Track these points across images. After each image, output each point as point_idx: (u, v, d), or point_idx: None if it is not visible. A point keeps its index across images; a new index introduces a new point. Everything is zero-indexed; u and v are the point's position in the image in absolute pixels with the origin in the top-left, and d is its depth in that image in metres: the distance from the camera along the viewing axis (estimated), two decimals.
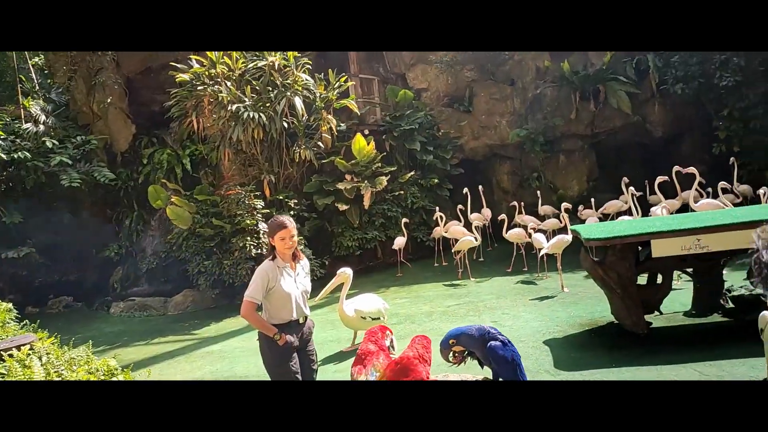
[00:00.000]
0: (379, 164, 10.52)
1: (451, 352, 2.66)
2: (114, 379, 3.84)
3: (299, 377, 3.53)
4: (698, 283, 5.96)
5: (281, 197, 9.87)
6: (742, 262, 6.41)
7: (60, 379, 3.86)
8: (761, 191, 8.15)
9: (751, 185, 9.55)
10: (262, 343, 3.61)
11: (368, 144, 10.27)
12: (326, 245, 10.26)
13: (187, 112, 10.00)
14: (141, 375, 4.95)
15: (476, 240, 8.73)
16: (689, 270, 6.06)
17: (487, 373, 2.81)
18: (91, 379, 3.81)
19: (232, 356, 6.50)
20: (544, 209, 10.53)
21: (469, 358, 2.83)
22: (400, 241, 9.82)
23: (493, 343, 2.55)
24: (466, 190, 10.30)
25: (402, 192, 10.67)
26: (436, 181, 11.22)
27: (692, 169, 7.88)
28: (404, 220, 10.02)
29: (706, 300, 5.85)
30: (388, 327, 2.78)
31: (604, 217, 9.81)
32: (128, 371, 4.11)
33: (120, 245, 10.94)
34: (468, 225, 10.13)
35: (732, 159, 9.77)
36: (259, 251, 8.67)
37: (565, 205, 8.00)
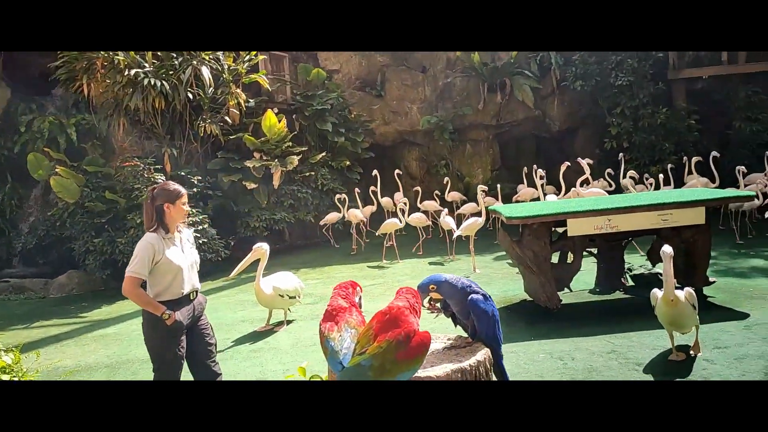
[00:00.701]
0: (290, 143, 10.16)
1: (429, 297, 2.53)
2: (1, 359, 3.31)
3: (183, 362, 3.28)
4: (602, 262, 6.31)
5: (183, 173, 9.22)
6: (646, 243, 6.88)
7: None
8: (650, 181, 8.86)
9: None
10: (146, 325, 3.26)
11: (279, 122, 9.87)
12: (231, 225, 9.75)
13: (76, 75, 9.01)
14: (29, 358, 4.35)
15: (400, 222, 8.66)
16: (593, 251, 6.41)
17: (460, 332, 2.71)
18: None
19: (129, 339, 5.94)
20: (451, 196, 10.73)
21: (442, 313, 2.70)
22: (332, 217, 9.69)
23: (474, 296, 2.45)
24: (375, 172, 10.23)
25: (312, 173, 10.39)
26: (347, 163, 11.05)
27: (587, 161, 8.46)
28: (338, 196, 9.88)
29: (608, 278, 6.20)
30: (358, 283, 2.56)
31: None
32: (17, 351, 3.56)
33: None
34: (381, 208, 10.11)
35: (621, 154, 10.50)
36: None
37: (481, 187, 8.18)
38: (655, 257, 5.97)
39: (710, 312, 5.13)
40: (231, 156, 9.95)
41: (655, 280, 6.06)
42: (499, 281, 6.98)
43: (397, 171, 10.76)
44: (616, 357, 4.36)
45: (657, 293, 4.14)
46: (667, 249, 4.01)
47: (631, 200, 5.61)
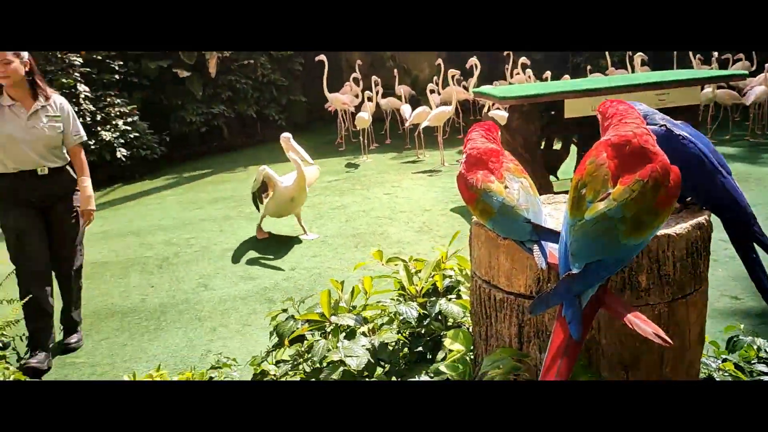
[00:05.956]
0: None
1: None
2: None
3: (31, 236, 3.04)
4: (583, 149, 6.11)
5: (100, 56, 7.92)
6: None
7: None
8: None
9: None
10: None
11: None
12: (164, 120, 8.64)
13: None
14: None
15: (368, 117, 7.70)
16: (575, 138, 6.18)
17: None
18: None
19: None
20: (400, 89, 10.10)
21: None
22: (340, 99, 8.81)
23: (653, 128, 1.50)
24: (322, 57, 9.18)
25: (251, 62, 9.31)
26: (289, 52, 10.00)
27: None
28: (354, 75, 8.97)
29: None
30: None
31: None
32: None
33: None
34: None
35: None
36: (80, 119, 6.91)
37: (452, 71, 7.60)
38: None
39: None
40: None
41: None
42: None
43: (359, 62, 9.82)
44: None
45: None
46: None
47: (628, 80, 5.33)
